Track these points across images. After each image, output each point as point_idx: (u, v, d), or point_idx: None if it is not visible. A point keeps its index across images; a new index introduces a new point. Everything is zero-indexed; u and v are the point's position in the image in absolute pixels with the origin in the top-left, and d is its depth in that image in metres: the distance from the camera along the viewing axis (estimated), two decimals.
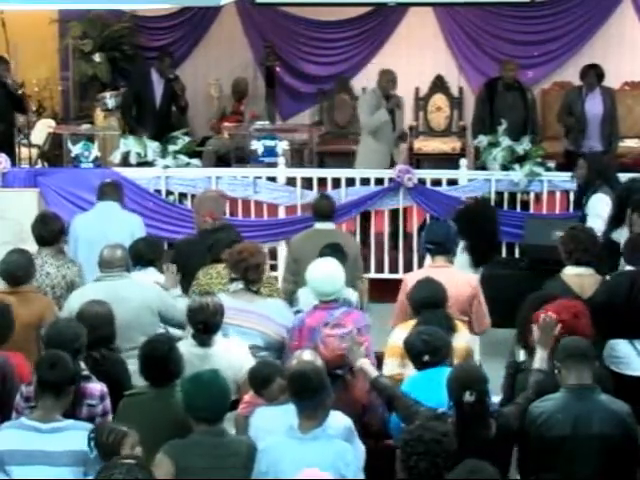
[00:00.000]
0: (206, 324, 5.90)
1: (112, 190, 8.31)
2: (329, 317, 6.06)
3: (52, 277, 7.06)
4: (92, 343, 5.73)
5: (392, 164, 10.08)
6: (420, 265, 8.26)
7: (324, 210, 8.07)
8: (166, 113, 11.11)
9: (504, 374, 5.96)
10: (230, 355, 5.86)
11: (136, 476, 4.21)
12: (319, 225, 8.03)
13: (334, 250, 6.88)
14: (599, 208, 8.17)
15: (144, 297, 6.54)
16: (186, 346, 5.78)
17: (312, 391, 4.89)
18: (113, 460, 4.42)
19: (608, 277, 6.66)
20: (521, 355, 6.29)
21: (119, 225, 7.93)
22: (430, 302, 6.01)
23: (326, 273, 6.28)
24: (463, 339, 6.13)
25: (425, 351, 5.48)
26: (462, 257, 7.60)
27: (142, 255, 7.12)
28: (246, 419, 5.44)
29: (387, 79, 10.39)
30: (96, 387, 5.38)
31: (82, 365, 5.45)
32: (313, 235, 7.96)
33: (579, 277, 6.59)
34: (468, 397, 4.88)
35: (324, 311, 6.16)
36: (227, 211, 9.09)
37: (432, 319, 5.85)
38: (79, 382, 5.22)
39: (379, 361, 6.43)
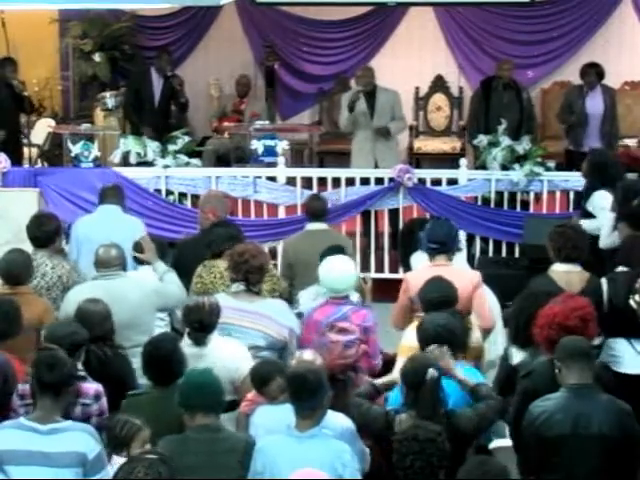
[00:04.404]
0: (201, 323, 5.90)
1: (114, 194, 8.29)
2: (337, 312, 6.16)
3: (48, 278, 7.01)
4: (90, 341, 5.73)
5: (376, 165, 10.01)
6: None
7: (317, 210, 8.07)
8: (165, 111, 11.13)
9: (496, 373, 5.97)
10: (225, 355, 5.85)
11: (158, 471, 4.22)
12: (311, 226, 8.04)
13: (335, 252, 6.87)
14: (604, 204, 8.13)
15: (141, 296, 6.53)
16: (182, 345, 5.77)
17: (310, 392, 4.89)
18: (136, 455, 4.46)
19: (604, 279, 6.64)
20: (514, 355, 6.28)
21: (121, 228, 7.89)
22: (443, 301, 5.96)
23: (339, 270, 6.39)
24: (474, 338, 6.10)
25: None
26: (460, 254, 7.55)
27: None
28: (247, 417, 5.46)
29: (362, 75, 10.21)
30: (91, 386, 5.39)
31: (79, 365, 5.44)
32: (306, 236, 7.98)
33: (567, 274, 6.54)
34: (432, 372, 4.89)
35: (333, 306, 6.25)
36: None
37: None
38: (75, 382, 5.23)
39: (386, 360, 6.43)
